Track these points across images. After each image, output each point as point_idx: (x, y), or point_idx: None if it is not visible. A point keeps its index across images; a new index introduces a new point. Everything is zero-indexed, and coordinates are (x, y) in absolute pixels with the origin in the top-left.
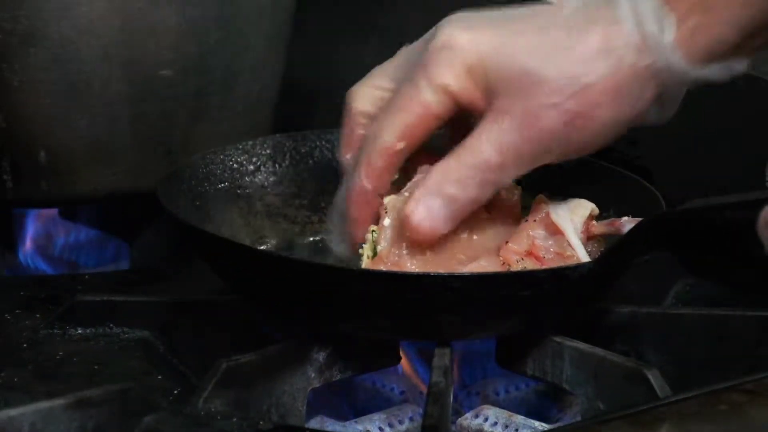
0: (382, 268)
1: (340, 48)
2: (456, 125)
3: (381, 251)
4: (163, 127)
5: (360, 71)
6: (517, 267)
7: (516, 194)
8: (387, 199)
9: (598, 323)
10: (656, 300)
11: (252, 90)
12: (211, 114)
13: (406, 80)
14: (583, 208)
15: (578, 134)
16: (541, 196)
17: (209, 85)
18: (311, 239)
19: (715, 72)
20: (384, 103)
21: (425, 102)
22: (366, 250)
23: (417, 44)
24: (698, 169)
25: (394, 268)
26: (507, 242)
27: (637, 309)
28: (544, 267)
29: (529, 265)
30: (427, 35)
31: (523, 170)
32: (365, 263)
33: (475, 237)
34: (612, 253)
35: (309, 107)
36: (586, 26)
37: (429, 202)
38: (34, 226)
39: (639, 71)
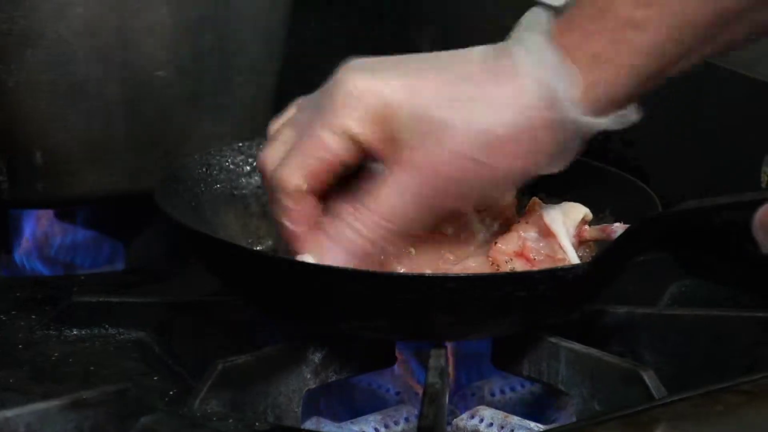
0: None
1: (337, 48)
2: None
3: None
4: (160, 128)
5: None
6: (506, 268)
7: (510, 196)
8: None
9: (594, 324)
10: (652, 300)
11: (248, 91)
12: (207, 115)
13: (308, 127)
14: (577, 211)
15: (480, 184)
16: (535, 199)
17: (205, 86)
18: None
19: (611, 122)
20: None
21: (328, 147)
22: None
23: (315, 94)
24: (693, 169)
25: (380, 269)
26: (496, 242)
27: (633, 309)
28: (535, 268)
29: (519, 266)
30: (326, 85)
31: (424, 219)
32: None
33: (462, 236)
34: (607, 255)
35: None
36: (493, 78)
37: (333, 249)
38: (30, 227)
39: (544, 124)
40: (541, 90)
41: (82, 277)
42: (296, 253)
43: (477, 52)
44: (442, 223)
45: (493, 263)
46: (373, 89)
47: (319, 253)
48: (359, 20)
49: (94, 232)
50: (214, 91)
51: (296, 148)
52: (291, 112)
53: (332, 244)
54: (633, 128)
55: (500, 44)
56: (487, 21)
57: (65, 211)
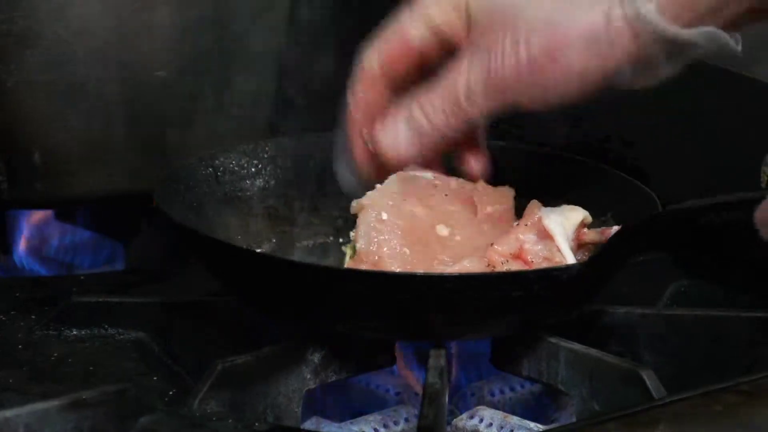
0: (363, 267)
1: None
2: None
3: (359, 250)
4: (159, 128)
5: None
6: (502, 269)
7: (509, 198)
8: (367, 194)
9: (594, 324)
10: (651, 301)
11: (247, 91)
12: (206, 115)
13: (396, 16)
14: (576, 215)
15: (544, 76)
16: (534, 201)
17: (204, 87)
18: (312, 242)
19: (695, 36)
20: None
21: (407, 33)
22: (348, 249)
23: None
24: (693, 169)
25: (374, 269)
26: (492, 244)
27: (633, 310)
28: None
29: (515, 267)
30: None
31: (492, 106)
32: (347, 262)
33: (458, 238)
34: (602, 255)
35: (307, 108)
36: None
37: (396, 126)
38: (29, 228)
39: (613, 20)
40: None
41: (82, 278)
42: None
43: None
44: (439, 222)
45: (489, 264)
46: None
47: (386, 133)
48: (361, 19)
49: (93, 233)
50: (214, 91)
51: (380, 35)
52: None
53: (401, 124)
54: (633, 128)
55: None
56: None
57: (64, 212)
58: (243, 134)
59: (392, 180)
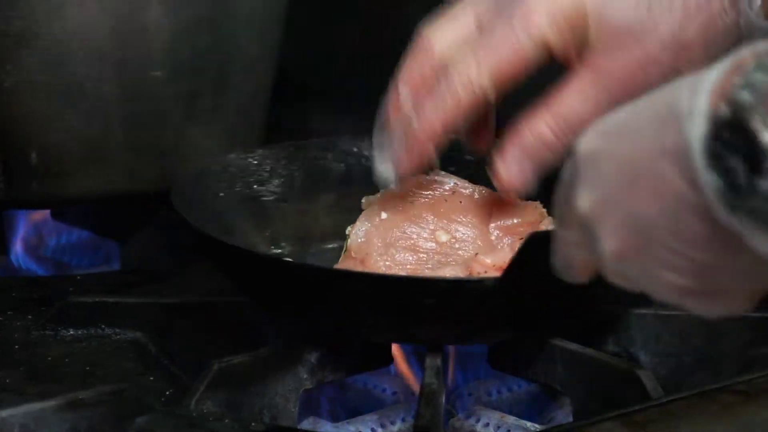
0: (350, 263)
1: (334, 45)
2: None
3: (350, 245)
4: (156, 128)
5: (354, 68)
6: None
7: (531, 214)
8: (379, 193)
9: (590, 324)
10: (648, 301)
11: (244, 91)
12: (203, 115)
13: (499, 23)
14: None
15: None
16: (549, 219)
17: (201, 86)
18: (329, 246)
19: None
20: (468, 41)
21: (520, 47)
22: (346, 245)
23: None
24: None
25: (361, 266)
26: (477, 254)
27: (629, 310)
28: None
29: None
30: None
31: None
32: (342, 257)
33: (456, 246)
34: (513, 266)
35: (304, 106)
36: None
37: (521, 157)
38: (25, 228)
39: (727, 28)
40: None
41: (79, 278)
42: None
43: None
44: (442, 228)
45: (470, 274)
46: None
47: (509, 169)
48: (357, 19)
49: (89, 233)
50: (211, 91)
51: (485, 44)
52: (484, 2)
53: (512, 148)
54: None
55: None
56: None
57: (61, 212)
58: (239, 134)
59: (408, 182)
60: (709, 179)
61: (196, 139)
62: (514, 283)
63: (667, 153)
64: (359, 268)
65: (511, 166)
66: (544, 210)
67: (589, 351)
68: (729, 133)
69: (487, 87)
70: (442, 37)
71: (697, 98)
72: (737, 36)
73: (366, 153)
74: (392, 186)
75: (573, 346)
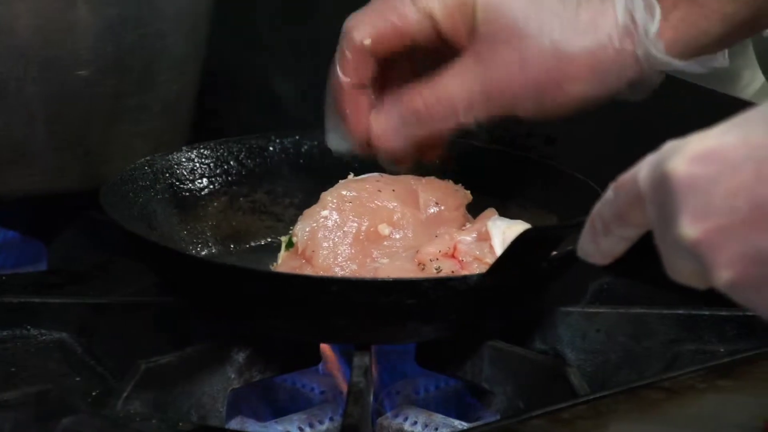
0: (295, 262)
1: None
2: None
3: (297, 243)
4: (81, 127)
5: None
6: (431, 267)
7: (457, 197)
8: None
9: (517, 322)
10: (574, 298)
11: (170, 89)
12: (129, 114)
13: None
14: (522, 228)
15: (547, 101)
16: (491, 209)
17: (127, 85)
18: (256, 243)
19: (697, 65)
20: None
21: (404, 17)
22: (284, 241)
23: None
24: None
25: (307, 264)
26: (420, 247)
27: (556, 308)
28: (461, 268)
29: (446, 266)
30: None
31: (486, 115)
32: (281, 254)
33: (398, 237)
34: (500, 264)
35: (231, 102)
36: (580, 0)
37: (390, 117)
38: None
39: (620, 55)
40: (627, 20)
41: (3, 278)
42: (345, 113)
43: None
44: (381, 221)
45: (419, 264)
46: None
47: (380, 123)
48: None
49: (15, 233)
50: (136, 90)
51: (373, 7)
52: None
53: (395, 117)
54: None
55: None
56: None
57: None
58: (165, 133)
59: (346, 180)
60: None
61: (122, 138)
62: (501, 278)
63: None
64: (306, 267)
65: (387, 125)
66: (468, 192)
67: (516, 349)
68: None
69: (367, 46)
70: (354, 15)
71: None
72: (638, 69)
73: (291, 150)
74: (343, 151)
75: (500, 344)
